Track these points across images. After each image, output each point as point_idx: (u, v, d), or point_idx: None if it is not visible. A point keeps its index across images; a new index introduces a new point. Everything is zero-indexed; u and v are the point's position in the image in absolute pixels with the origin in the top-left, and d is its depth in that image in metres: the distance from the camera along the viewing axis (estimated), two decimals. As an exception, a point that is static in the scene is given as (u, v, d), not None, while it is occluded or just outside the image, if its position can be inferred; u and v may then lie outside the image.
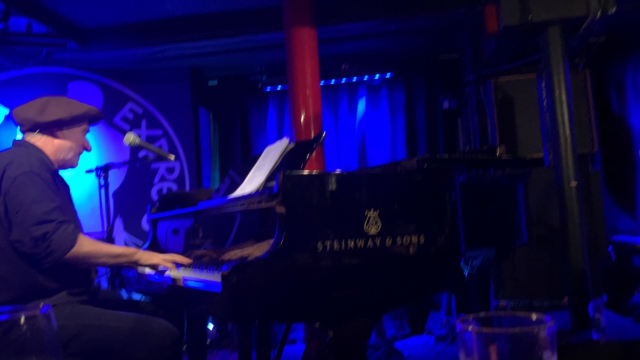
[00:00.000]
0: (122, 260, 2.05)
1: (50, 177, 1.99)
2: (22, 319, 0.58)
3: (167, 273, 2.10)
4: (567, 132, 2.66)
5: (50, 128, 2.11)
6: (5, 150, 2.08)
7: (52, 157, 2.12)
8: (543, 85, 2.78)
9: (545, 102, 2.79)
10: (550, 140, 2.76)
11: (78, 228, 2.05)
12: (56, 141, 2.13)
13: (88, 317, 1.92)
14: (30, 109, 2.10)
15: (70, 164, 2.21)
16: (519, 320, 0.57)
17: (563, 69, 2.68)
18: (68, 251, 1.86)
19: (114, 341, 1.88)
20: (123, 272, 2.56)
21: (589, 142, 3.95)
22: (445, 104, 5.06)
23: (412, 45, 5.04)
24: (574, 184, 2.64)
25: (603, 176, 4.37)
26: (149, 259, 2.06)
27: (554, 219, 3.16)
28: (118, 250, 2.06)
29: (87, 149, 2.24)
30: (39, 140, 2.12)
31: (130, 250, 2.08)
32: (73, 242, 1.88)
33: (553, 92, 2.69)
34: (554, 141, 2.71)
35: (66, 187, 2.22)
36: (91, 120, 2.25)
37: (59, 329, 1.83)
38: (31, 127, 2.10)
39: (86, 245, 1.93)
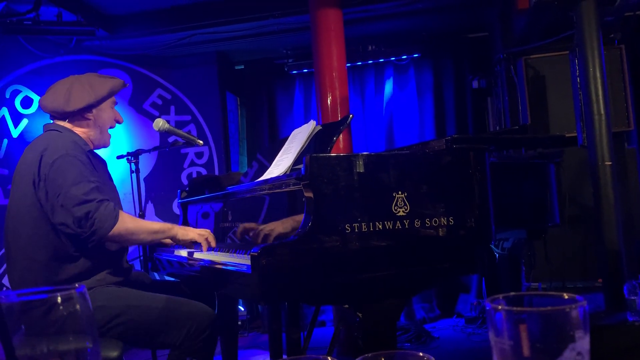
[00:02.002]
0: (160, 236, 2.09)
1: (87, 158, 2.02)
2: (59, 299, 0.59)
3: (198, 255, 2.14)
4: (602, 110, 2.59)
5: (81, 114, 2.14)
6: (38, 136, 2.11)
7: (85, 138, 2.15)
8: (576, 62, 2.70)
9: (578, 80, 2.71)
10: (583, 118, 2.68)
11: (118, 205, 2.08)
12: (89, 123, 2.16)
13: (129, 298, 1.97)
14: (57, 99, 2.10)
15: (103, 143, 2.25)
16: (550, 299, 0.56)
17: (597, 44, 2.60)
18: (112, 228, 1.90)
19: (154, 322, 1.93)
20: (156, 255, 2.62)
21: (624, 119, 3.85)
22: (475, 84, 4.97)
23: (439, 25, 4.94)
24: (608, 163, 2.57)
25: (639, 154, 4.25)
26: (186, 234, 2.11)
27: (587, 199, 3.09)
28: (156, 226, 2.10)
29: (118, 121, 2.27)
30: (71, 124, 2.15)
31: (168, 225, 2.12)
32: (115, 219, 1.91)
33: (587, 69, 2.61)
34: (587, 120, 2.64)
35: (104, 166, 2.25)
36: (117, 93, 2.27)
37: (101, 309, 1.90)
38: (61, 116, 2.13)
39: (128, 222, 1.97)
